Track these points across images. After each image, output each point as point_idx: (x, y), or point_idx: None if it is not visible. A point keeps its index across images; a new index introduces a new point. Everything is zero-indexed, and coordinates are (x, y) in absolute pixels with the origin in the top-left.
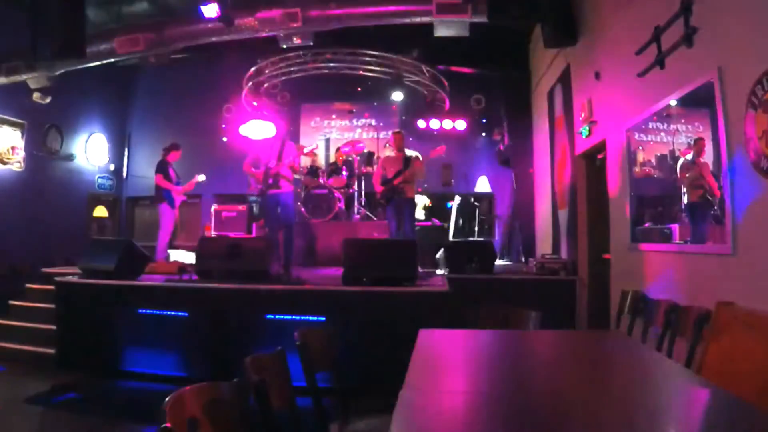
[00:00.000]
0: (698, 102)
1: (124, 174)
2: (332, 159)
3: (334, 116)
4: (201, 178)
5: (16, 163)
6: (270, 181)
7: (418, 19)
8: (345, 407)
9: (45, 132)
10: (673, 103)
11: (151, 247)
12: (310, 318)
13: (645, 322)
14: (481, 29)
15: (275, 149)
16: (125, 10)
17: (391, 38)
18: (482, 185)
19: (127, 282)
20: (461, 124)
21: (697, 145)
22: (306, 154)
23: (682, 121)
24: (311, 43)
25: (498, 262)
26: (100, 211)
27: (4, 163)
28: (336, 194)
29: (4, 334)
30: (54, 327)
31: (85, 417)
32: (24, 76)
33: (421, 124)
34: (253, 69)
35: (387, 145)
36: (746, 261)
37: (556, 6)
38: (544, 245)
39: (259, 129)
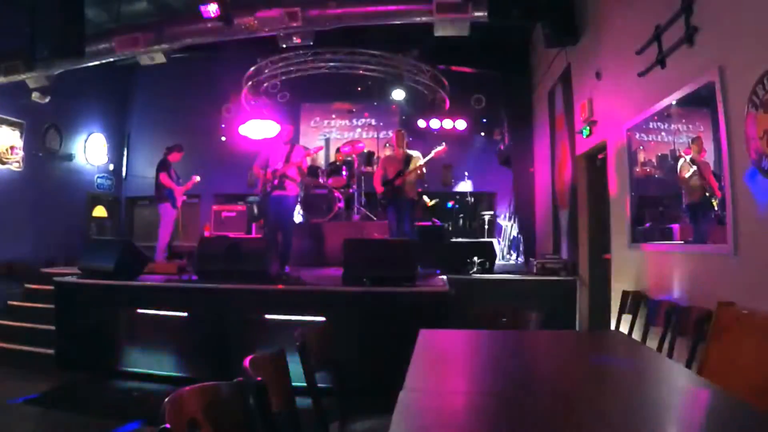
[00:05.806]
0: (699, 102)
1: (124, 174)
2: (332, 159)
3: (334, 116)
4: (196, 179)
5: (15, 163)
6: (275, 182)
7: (418, 19)
8: (345, 407)
9: (44, 132)
10: (674, 102)
11: (151, 247)
12: (310, 318)
13: (645, 323)
14: (482, 29)
15: (284, 152)
16: (125, 10)
17: (391, 38)
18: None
19: (126, 282)
20: (461, 124)
21: (698, 145)
22: (311, 154)
23: (683, 120)
24: (311, 43)
25: (498, 262)
26: (100, 211)
27: (3, 163)
28: (336, 194)
29: (4, 334)
30: (54, 327)
31: (84, 417)
32: (23, 76)
33: (421, 124)
34: (252, 68)
35: (387, 144)
36: (747, 261)
37: (556, 5)
38: (544, 245)
39: (258, 129)
